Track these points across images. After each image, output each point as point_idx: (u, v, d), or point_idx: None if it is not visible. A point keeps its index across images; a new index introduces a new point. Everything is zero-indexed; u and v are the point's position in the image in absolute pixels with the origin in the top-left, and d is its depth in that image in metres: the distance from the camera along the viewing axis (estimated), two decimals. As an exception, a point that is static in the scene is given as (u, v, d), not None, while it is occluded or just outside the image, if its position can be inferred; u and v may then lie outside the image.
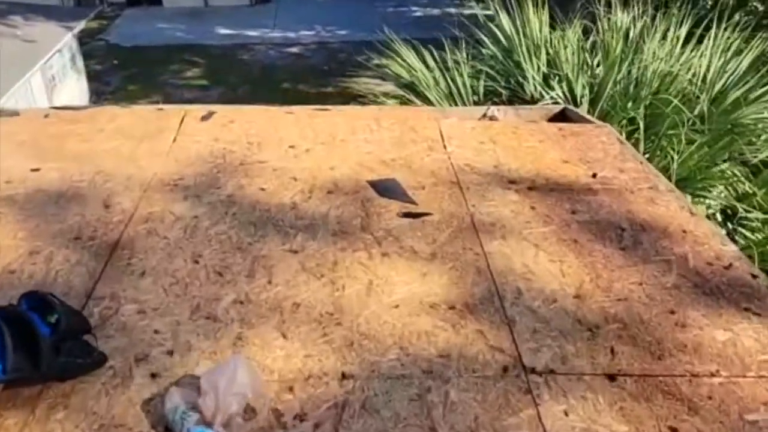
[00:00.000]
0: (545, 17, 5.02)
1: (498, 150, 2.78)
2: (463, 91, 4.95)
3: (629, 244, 2.16)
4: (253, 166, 2.53)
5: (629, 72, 4.55)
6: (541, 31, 4.94)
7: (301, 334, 1.69)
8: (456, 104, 4.79)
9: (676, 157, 3.85)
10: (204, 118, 2.91)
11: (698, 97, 4.57)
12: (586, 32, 5.22)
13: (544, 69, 4.81)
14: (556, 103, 4.28)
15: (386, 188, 2.42)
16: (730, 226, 4.16)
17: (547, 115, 3.47)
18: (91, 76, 16.10)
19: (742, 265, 2.06)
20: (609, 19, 4.93)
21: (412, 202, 2.34)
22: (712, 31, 4.82)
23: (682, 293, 1.92)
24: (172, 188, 2.34)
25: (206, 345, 1.63)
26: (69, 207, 2.18)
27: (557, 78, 4.61)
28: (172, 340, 1.64)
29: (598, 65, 4.98)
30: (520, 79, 4.71)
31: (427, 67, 5.37)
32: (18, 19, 15.15)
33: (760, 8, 7.77)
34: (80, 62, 15.51)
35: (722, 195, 4.26)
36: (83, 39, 16.92)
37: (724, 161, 4.27)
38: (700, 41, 5.11)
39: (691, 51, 5.02)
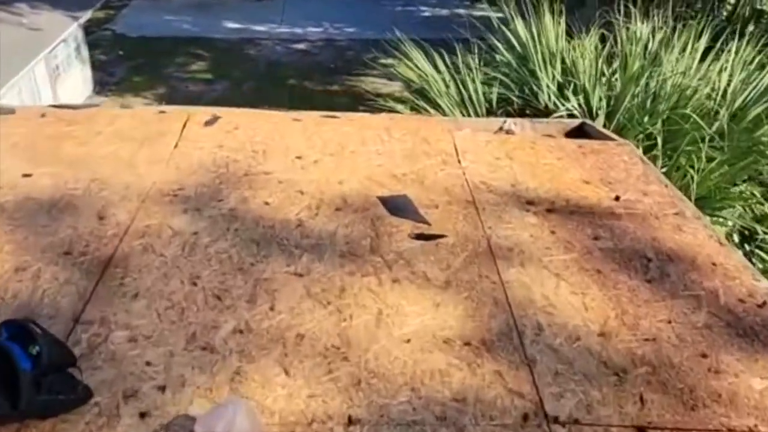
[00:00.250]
0: (562, 25, 4.88)
1: (515, 167, 2.64)
2: (474, 98, 4.81)
3: (656, 276, 2.03)
4: (258, 177, 2.40)
5: (647, 85, 4.41)
6: (557, 39, 4.80)
7: (304, 369, 1.56)
8: (467, 111, 4.65)
9: (695, 176, 3.71)
10: (207, 123, 2.78)
11: (717, 113, 4.44)
12: (603, 41, 5.08)
13: (559, 78, 4.67)
14: (572, 115, 4.15)
15: (397, 206, 2.29)
16: (747, 247, 4.03)
17: (564, 129, 3.34)
18: (96, 66, 15.97)
19: (777, 304, 1.93)
20: (628, 29, 4.79)
21: (425, 222, 2.21)
22: (733, 45, 4.68)
23: (714, 334, 1.79)
24: (171, 199, 2.21)
25: (202, 380, 1.50)
26: (61, 218, 2.05)
27: (573, 88, 4.47)
28: (165, 374, 1.51)
29: (613, 73, 4.85)
30: (535, 88, 4.56)
31: (438, 71, 5.24)
32: (24, 6, 15.02)
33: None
34: (85, 52, 15.38)
35: (740, 215, 4.13)
36: (89, 28, 16.78)
37: (743, 181, 4.13)
38: (719, 54, 4.97)
39: (710, 64, 4.89)
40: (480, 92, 4.84)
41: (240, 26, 19.29)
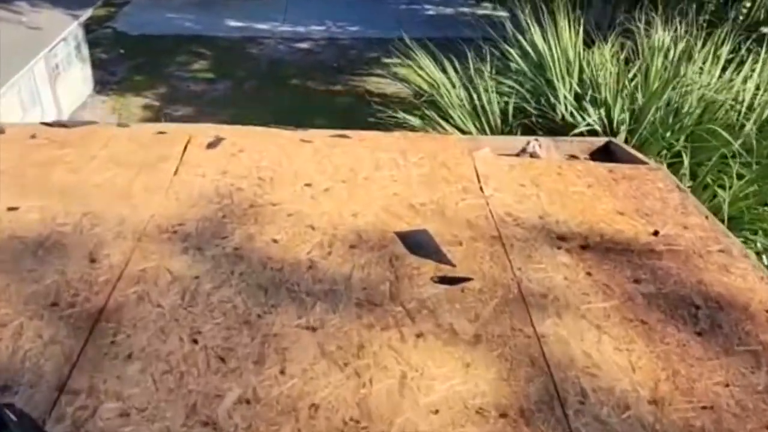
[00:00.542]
0: (580, 33, 4.67)
1: (542, 195, 2.44)
2: (488, 108, 4.61)
3: (706, 328, 1.83)
4: (265, 209, 2.21)
5: (670, 98, 4.20)
6: (575, 47, 4.59)
7: (320, 450, 1.37)
8: (481, 122, 4.45)
9: (726, 196, 3.51)
10: (210, 146, 2.58)
11: (743, 126, 4.23)
12: (622, 48, 4.87)
13: (577, 89, 4.46)
14: (592, 129, 3.95)
15: (418, 243, 2.09)
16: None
17: (589, 148, 3.14)
18: (97, 65, 15.79)
19: None
20: (649, 38, 4.58)
21: (449, 263, 2.01)
22: (762, 54, 4.48)
23: (778, 400, 1.60)
24: (170, 236, 2.01)
25: (203, 465, 1.31)
26: (48, 260, 1.86)
27: (593, 101, 4.27)
28: (161, 458, 1.31)
29: (633, 82, 4.64)
30: (552, 99, 4.36)
31: (449, 79, 5.04)
32: (24, 5, 14.83)
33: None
34: (85, 51, 15.20)
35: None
36: (90, 26, 16.61)
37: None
38: (742, 62, 4.77)
39: (733, 72, 4.69)
40: (494, 102, 4.64)
41: (242, 24, 19.08)
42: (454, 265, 2.01)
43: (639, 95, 4.19)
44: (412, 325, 1.74)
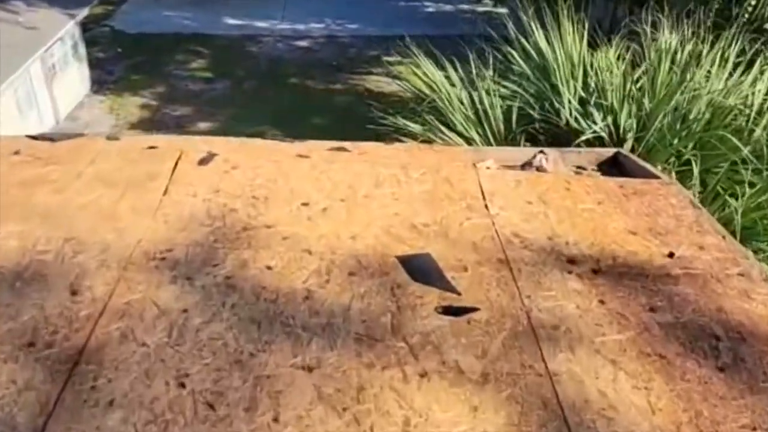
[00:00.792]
0: (584, 36, 4.54)
1: (550, 214, 2.33)
2: (491, 114, 4.49)
3: (728, 362, 1.72)
4: (259, 231, 2.09)
5: (678, 103, 4.08)
6: (579, 49, 4.47)
7: None
8: (483, 129, 4.33)
9: (738, 206, 3.39)
10: (202, 162, 2.46)
11: (752, 132, 4.12)
12: (627, 50, 4.75)
13: (581, 93, 4.34)
14: (598, 137, 3.83)
15: (420, 269, 1.98)
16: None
17: (597, 159, 3.02)
18: (94, 64, 15.65)
19: None
20: (655, 40, 4.46)
21: (454, 291, 1.90)
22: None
23: (809, 446, 1.49)
24: (158, 264, 1.90)
25: None
26: (26, 293, 1.74)
27: (598, 106, 4.15)
28: None
29: (639, 86, 4.52)
30: (556, 104, 4.24)
31: (450, 83, 4.92)
32: (20, 4, 14.69)
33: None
34: (82, 50, 15.05)
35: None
36: (87, 25, 16.45)
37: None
38: (751, 64, 4.64)
39: (741, 74, 4.56)
40: (497, 106, 4.52)
41: (241, 22, 18.95)
42: (459, 294, 1.89)
43: (646, 101, 4.07)
44: (415, 362, 1.63)
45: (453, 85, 4.85)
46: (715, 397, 1.60)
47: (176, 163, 2.44)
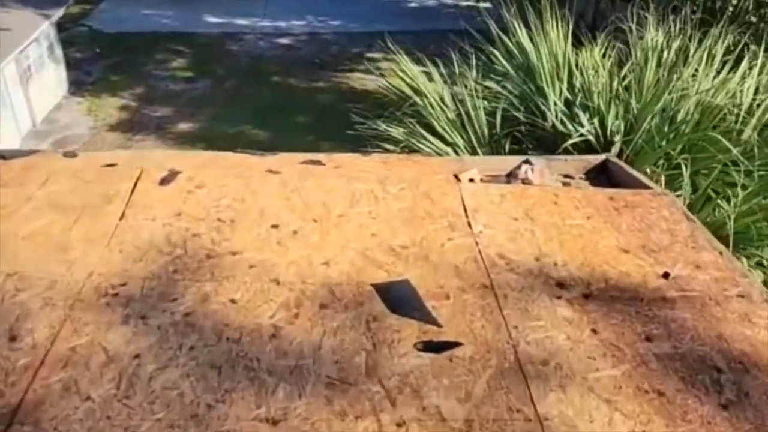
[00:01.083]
0: (569, 35, 4.40)
1: (537, 231, 2.18)
2: (473, 115, 4.34)
3: (732, 398, 1.58)
4: (223, 259, 1.93)
5: (666, 103, 3.95)
6: (564, 49, 4.32)
7: None
8: (467, 133, 4.17)
9: (731, 210, 3.27)
10: (164, 181, 2.29)
11: (742, 132, 4.00)
12: (613, 48, 4.61)
13: (567, 94, 4.20)
14: (585, 140, 3.69)
15: (398, 298, 1.82)
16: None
17: (585, 167, 2.89)
18: (71, 65, 15.31)
19: None
20: (642, 38, 4.32)
21: (434, 323, 1.75)
22: (760, 55, 4.24)
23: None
24: (109, 301, 1.73)
25: None
26: (-41, 340, 1.57)
27: (585, 108, 4.01)
28: None
29: (625, 86, 4.39)
30: (542, 106, 4.10)
31: (431, 81, 4.76)
32: (-8, 5, 14.33)
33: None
34: (59, 51, 14.71)
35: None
36: (64, 24, 16.09)
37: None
38: (738, 61, 4.53)
39: (729, 72, 4.45)
40: (480, 108, 4.36)
41: (221, 20, 18.65)
42: (440, 326, 1.74)
43: (633, 101, 3.94)
44: (392, 410, 1.48)
45: (435, 86, 4.70)
46: (719, 439, 1.47)
47: (135, 183, 2.26)
